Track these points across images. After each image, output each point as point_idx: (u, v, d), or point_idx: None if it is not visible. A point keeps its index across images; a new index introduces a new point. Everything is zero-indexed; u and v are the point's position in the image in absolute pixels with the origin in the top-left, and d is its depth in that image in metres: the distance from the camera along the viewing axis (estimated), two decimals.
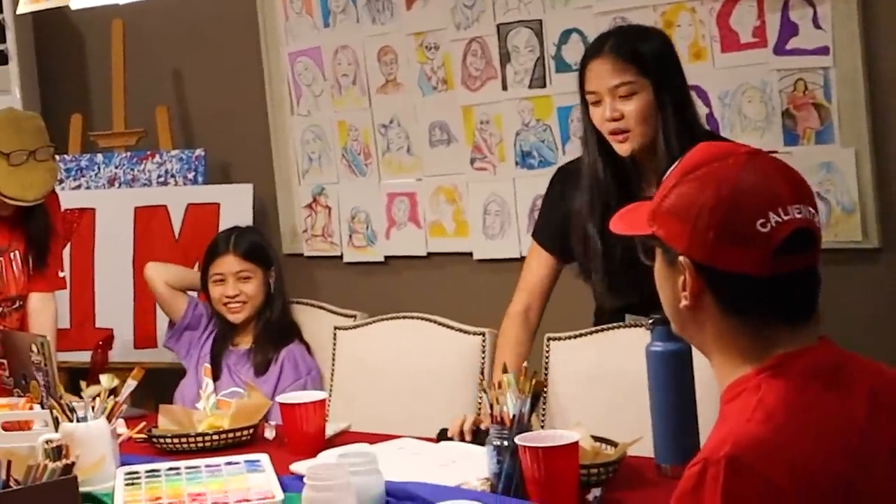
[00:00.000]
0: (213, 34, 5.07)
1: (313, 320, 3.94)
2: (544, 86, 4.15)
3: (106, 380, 2.98)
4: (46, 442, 2.79)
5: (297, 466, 2.78)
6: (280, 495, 2.57)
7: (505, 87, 4.25)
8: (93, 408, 2.91)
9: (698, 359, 2.07)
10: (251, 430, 3.19)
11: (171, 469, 2.84)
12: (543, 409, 3.17)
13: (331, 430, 3.19)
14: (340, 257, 4.80)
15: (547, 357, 3.22)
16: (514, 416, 2.52)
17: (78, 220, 4.92)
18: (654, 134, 3.08)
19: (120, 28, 5.00)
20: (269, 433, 3.21)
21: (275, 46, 4.84)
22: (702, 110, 3.78)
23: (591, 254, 3.15)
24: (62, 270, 4.12)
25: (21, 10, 3.39)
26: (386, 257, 4.68)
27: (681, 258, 1.73)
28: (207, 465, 2.85)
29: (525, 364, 2.67)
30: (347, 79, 4.64)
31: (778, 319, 1.71)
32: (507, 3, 4.18)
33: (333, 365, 3.69)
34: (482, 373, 3.34)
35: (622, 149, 3.10)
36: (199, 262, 4.18)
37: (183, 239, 4.79)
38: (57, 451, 2.55)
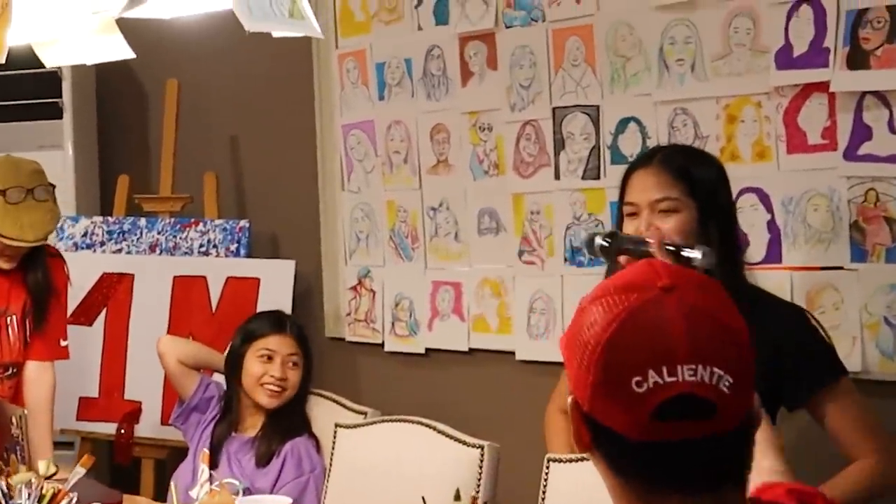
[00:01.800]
0: (269, 101, 4.87)
1: (327, 413, 3.65)
2: (598, 177, 3.83)
3: (42, 466, 2.74)
4: None
5: None
6: None
7: (557, 177, 3.93)
8: (29, 495, 2.65)
9: None
10: None
11: None
12: None
13: None
14: (382, 345, 4.51)
15: (545, 479, 2.88)
16: None
17: (116, 285, 4.72)
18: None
19: (174, 88, 4.82)
20: None
21: (329, 117, 4.62)
22: (763, 216, 3.46)
23: None
24: (65, 339, 3.90)
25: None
26: (427, 349, 4.38)
27: (569, 397, 1.45)
28: None
29: (476, 494, 2.34)
30: (399, 156, 4.39)
31: (663, 486, 1.40)
32: (565, 86, 3.88)
33: (331, 464, 3.39)
34: (477, 487, 3.01)
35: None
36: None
37: (220, 312, 4.57)
38: None
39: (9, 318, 3.74)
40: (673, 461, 1.38)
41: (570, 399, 1.45)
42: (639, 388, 1.35)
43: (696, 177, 2.78)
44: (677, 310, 1.39)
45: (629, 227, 2.79)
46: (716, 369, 1.37)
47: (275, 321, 3.76)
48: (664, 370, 1.35)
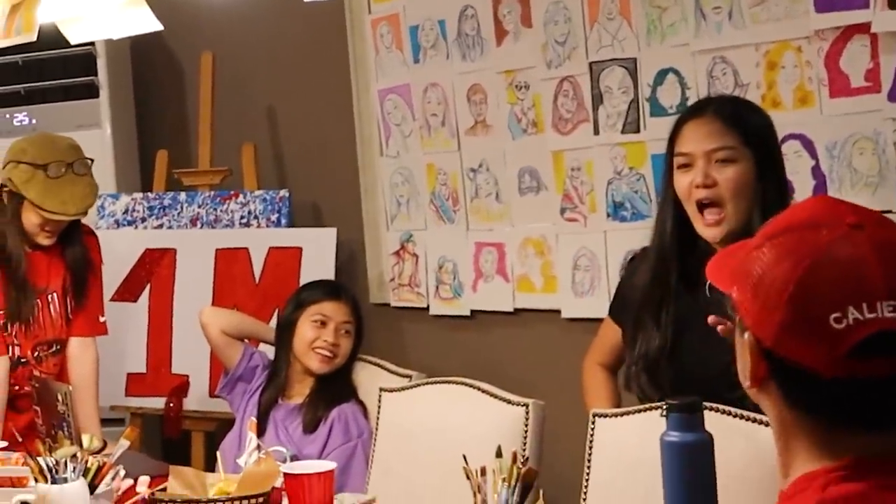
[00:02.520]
0: (304, 70, 4.84)
1: (373, 379, 3.63)
2: (638, 130, 3.77)
3: (86, 440, 2.73)
4: (22, 502, 2.60)
5: None
6: None
7: (597, 132, 3.88)
8: (74, 468, 2.64)
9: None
10: (261, 500, 2.87)
11: None
12: (585, 492, 2.80)
13: (352, 501, 2.90)
14: (427, 309, 4.48)
15: (592, 435, 2.84)
16: None
17: (159, 261, 4.72)
18: (748, 217, 2.67)
19: (209, 61, 4.79)
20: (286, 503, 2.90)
21: (365, 83, 4.59)
22: (807, 163, 3.41)
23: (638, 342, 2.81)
24: (102, 315, 3.91)
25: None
26: (472, 311, 4.35)
27: (746, 335, 1.45)
28: None
29: (519, 451, 2.31)
30: (437, 119, 4.34)
31: (852, 423, 1.41)
32: (601, 40, 3.82)
33: (377, 428, 3.37)
34: (524, 445, 2.98)
35: (711, 233, 2.71)
36: (279, 308, 3.93)
37: (263, 283, 4.55)
38: None
39: (50, 296, 3.74)
40: (863, 398, 1.38)
41: (747, 337, 1.44)
42: (837, 325, 1.35)
43: (751, 125, 2.74)
44: (871, 246, 1.39)
45: (682, 180, 2.74)
46: None
47: (330, 289, 3.76)
48: (864, 306, 1.35)
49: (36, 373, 3.71)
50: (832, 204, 1.49)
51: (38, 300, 3.72)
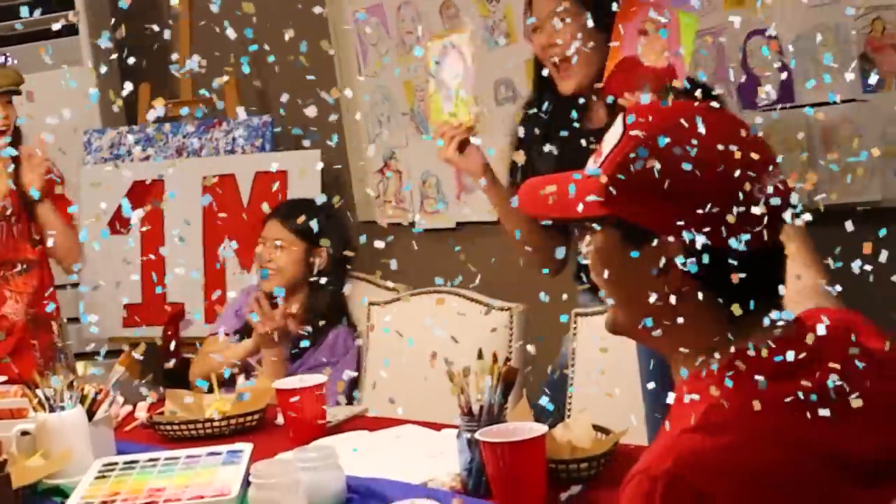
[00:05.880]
0: None
1: (364, 295, 3.69)
2: None
3: (81, 368, 2.80)
4: (22, 433, 2.66)
5: (284, 456, 2.55)
6: (234, 492, 2.34)
7: None
8: (71, 396, 2.72)
9: None
10: (257, 416, 2.96)
11: (149, 461, 2.64)
12: (570, 394, 2.88)
13: (344, 413, 2.97)
14: (413, 224, 4.55)
15: (574, 333, 2.92)
16: (482, 406, 2.24)
17: (147, 192, 4.77)
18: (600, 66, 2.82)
19: None
20: (281, 419, 2.98)
21: (338, 4, 4.61)
22: (773, 57, 3.44)
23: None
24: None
25: None
26: (458, 223, 4.41)
27: (655, 242, 1.46)
28: (188, 457, 2.63)
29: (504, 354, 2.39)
30: (411, 36, 4.38)
31: (759, 300, 1.45)
32: None
33: (367, 343, 3.44)
34: (509, 348, 3.05)
35: (565, 86, 2.98)
36: None
37: (252, 207, 4.60)
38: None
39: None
40: (768, 268, 1.48)
41: (656, 244, 1.47)
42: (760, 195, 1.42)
43: None
44: (737, 122, 1.48)
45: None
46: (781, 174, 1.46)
47: (272, 211, 3.77)
48: (764, 177, 1.44)
49: (6, 292, 3.81)
50: (678, 104, 1.54)
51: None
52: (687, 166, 1.41)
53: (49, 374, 2.81)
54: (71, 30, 5.00)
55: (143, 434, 3.01)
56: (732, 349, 1.44)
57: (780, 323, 1.45)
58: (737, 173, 1.41)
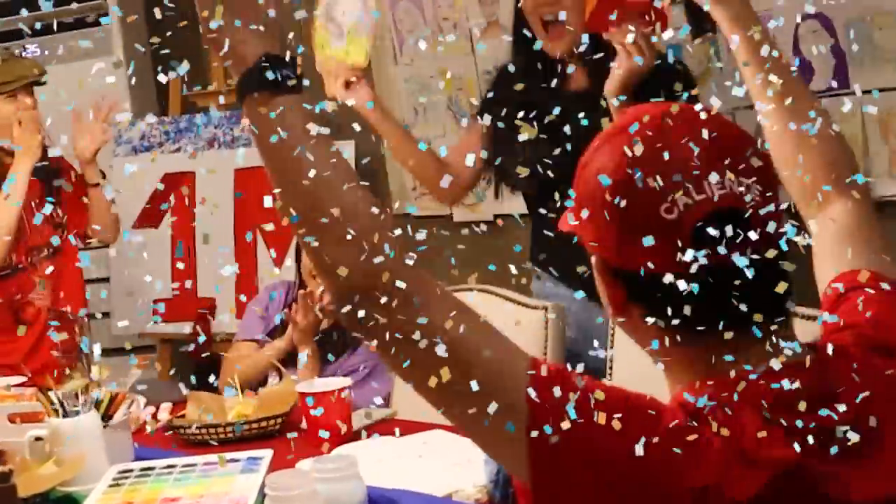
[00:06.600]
0: None
1: None
2: None
3: (96, 371, 2.68)
4: (35, 438, 2.55)
5: (304, 464, 2.42)
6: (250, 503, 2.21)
7: None
8: (85, 401, 2.60)
9: None
10: (280, 420, 2.83)
11: (166, 468, 2.51)
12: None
13: (371, 418, 2.85)
14: (450, 217, 4.41)
15: (611, 344, 2.78)
16: None
17: (178, 185, 4.67)
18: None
19: None
20: (305, 423, 2.85)
21: None
22: (825, 40, 3.28)
23: None
24: None
25: None
26: (495, 216, 4.27)
27: (593, 259, 1.35)
28: (205, 464, 2.50)
29: (539, 354, 2.24)
30: (448, 23, 4.25)
31: (714, 324, 1.28)
32: None
33: None
34: (545, 348, 2.91)
35: (554, 47, 2.93)
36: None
37: None
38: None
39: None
40: (719, 291, 1.27)
41: (594, 261, 1.35)
42: (669, 215, 1.25)
43: None
44: (685, 130, 1.29)
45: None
46: (743, 178, 1.26)
47: None
48: (691, 188, 1.25)
49: (35, 279, 3.75)
50: (642, 108, 1.36)
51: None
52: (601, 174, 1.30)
53: (67, 376, 2.70)
54: (101, 18, 4.89)
55: (164, 438, 2.89)
56: (712, 381, 1.30)
57: (787, 351, 1.30)
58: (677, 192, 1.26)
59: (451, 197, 3.43)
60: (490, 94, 3.09)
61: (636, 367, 2.41)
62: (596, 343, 2.87)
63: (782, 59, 1.57)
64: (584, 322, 3.00)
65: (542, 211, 2.87)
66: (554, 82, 2.86)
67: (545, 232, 2.84)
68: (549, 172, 2.75)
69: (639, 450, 1.20)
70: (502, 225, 4.20)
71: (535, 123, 2.95)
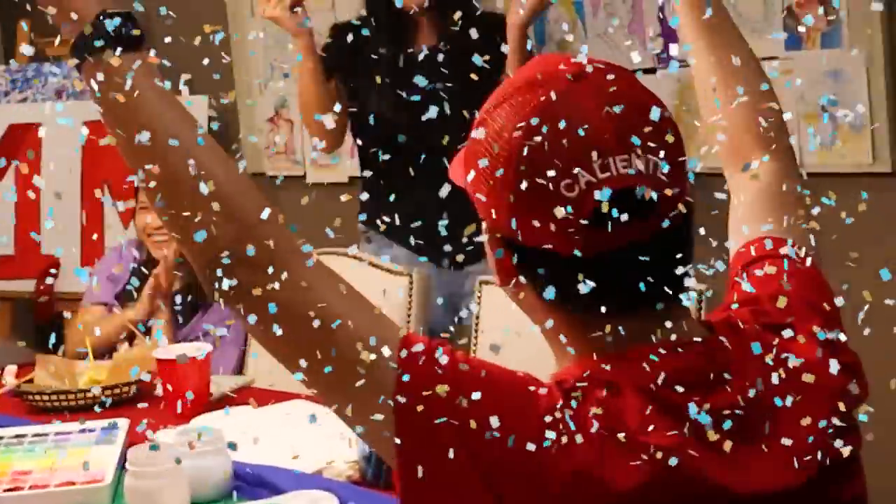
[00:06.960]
0: None
1: None
2: None
3: None
4: None
5: (163, 435, 2.33)
6: (108, 478, 2.13)
7: None
8: None
9: None
10: (132, 386, 2.73)
11: (15, 437, 2.41)
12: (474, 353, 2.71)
13: (228, 385, 2.76)
14: (304, 177, 4.33)
15: (479, 303, 2.74)
16: None
17: (24, 136, 4.48)
18: None
19: None
20: (160, 389, 2.75)
21: None
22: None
23: None
24: None
25: None
26: (350, 178, 4.20)
27: (484, 226, 1.27)
28: (57, 433, 2.41)
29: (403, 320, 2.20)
30: None
31: (604, 306, 1.21)
32: None
33: None
34: (408, 314, 2.87)
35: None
36: None
37: None
38: None
39: None
40: (616, 273, 1.21)
41: (483, 226, 1.27)
42: (570, 192, 1.18)
43: None
44: (594, 98, 1.21)
45: None
46: (650, 156, 1.20)
47: None
48: (595, 166, 1.18)
49: None
50: (550, 60, 1.28)
51: None
52: (499, 142, 1.23)
53: None
54: None
55: (10, 404, 2.76)
56: (596, 359, 1.24)
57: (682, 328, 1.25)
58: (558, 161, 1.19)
59: (333, 142, 3.45)
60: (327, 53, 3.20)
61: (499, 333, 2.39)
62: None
63: None
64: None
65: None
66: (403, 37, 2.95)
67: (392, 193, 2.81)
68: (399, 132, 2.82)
69: (509, 434, 1.16)
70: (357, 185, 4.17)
71: (384, 78, 2.95)
